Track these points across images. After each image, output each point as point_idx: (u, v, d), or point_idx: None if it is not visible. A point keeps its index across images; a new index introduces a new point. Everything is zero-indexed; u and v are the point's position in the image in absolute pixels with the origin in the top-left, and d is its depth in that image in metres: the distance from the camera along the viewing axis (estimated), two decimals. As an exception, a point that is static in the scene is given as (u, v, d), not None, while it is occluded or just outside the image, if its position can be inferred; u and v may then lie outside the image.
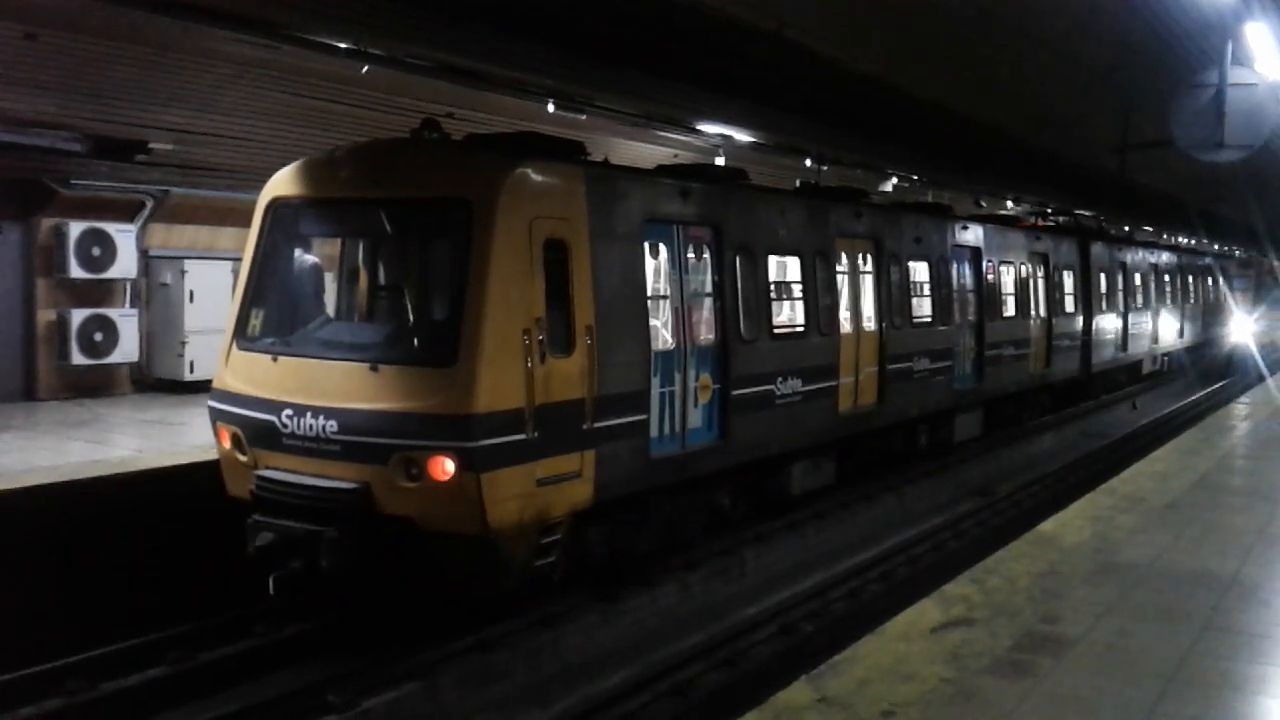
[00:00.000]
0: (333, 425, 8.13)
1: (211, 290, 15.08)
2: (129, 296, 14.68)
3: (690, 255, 10.59)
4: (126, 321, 14.34)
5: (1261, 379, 25.29)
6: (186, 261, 14.98)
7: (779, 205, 12.57)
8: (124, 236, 14.20)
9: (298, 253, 9.44)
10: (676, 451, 10.18)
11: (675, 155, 18.67)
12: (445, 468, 7.87)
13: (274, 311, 9.21)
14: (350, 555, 7.98)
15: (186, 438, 11.33)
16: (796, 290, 12.42)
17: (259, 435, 8.56)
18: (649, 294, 9.87)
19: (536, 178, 8.79)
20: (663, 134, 16.60)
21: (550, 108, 13.17)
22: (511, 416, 8.11)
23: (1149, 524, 8.66)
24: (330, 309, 9.65)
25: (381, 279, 9.44)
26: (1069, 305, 21.22)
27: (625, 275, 9.47)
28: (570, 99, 13.43)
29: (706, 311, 10.76)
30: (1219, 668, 5.58)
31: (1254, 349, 30.79)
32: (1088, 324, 21.98)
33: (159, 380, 14.98)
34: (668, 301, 10.26)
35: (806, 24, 12.34)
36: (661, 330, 10.16)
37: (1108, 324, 23.30)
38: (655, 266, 10.19)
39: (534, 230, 8.46)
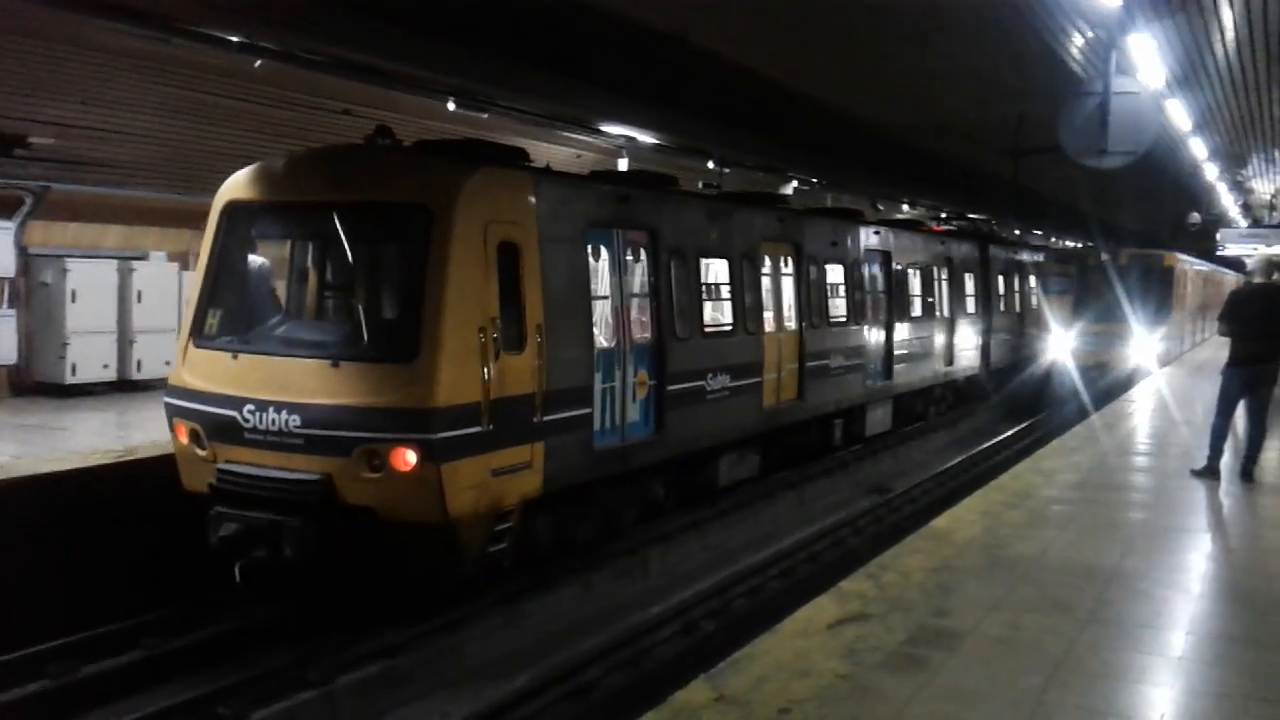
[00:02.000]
0: (295, 420, 8.43)
1: (95, 290, 14.54)
2: (7, 296, 14.04)
3: (628, 258, 11.15)
4: (4, 322, 13.74)
5: (1085, 414, 18.20)
6: (69, 260, 14.38)
7: (708, 210, 13.10)
8: (1, 234, 13.60)
9: (256, 254, 9.86)
10: (616, 444, 10.71)
11: (579, 156, 18.63)
12: (407, 459, 8.24)
13: (232, 310, 9.49)
14: (313, 544, 8.30)
15: (68, 443, 10.91)
16: (725, 291, 13.00)
17: (219, 430, 8.82)
18: (592, 294, 10.33)
19: (490, 184, 9.21)
20: (566, 134, 16.54)
21: (451, 106, 13.02)
22: (469, 410, 8.52)
23: (1036, 519, 8.91)
24: (290, 308, 9.98)
25: (342, 279, 9.69)
26: (970, 306, 22.66)
27: (571, 277, 9.96)
28: (472, 97, 13.30)
29: (643, 311, 11.32)
30: (1102, 658, 5.75)
31: (1075, 372, 23.56)
32: (987, 324, 23.59)
33: (39, 383, 14.36)
34: (608, 301, 10.72)
35: (711, 28, 12.43)
36: (603, 329, 10.62)
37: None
38: (597, 268, 10.60)
39: (488, 234, 8.89)
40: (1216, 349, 19.98)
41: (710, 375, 12.33)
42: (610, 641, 9.51)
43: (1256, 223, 28.26)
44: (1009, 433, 21.90)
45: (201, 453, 9.01)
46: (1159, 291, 24.50)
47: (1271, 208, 26.77)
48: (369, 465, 8.29)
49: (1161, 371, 22.60)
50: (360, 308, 9.32)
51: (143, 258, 15.65)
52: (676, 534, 12.58)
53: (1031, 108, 15.05)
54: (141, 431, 11.99)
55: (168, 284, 15.83)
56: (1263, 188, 25.04)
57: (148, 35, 10.57)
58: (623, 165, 16.96)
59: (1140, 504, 9.80)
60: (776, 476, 15.10)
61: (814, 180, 22.50)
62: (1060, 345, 24.76)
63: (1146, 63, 11.52)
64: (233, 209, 9.62)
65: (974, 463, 18.68)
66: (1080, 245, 37.04)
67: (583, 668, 8.88)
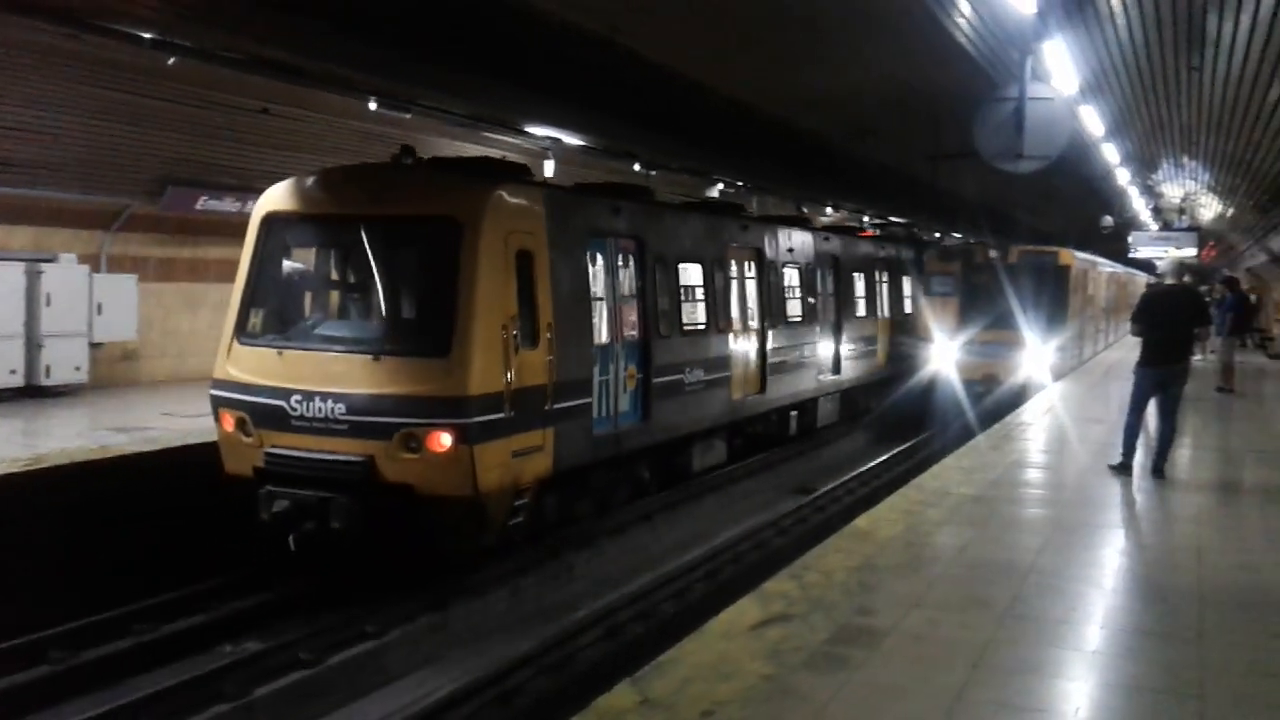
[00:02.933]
0: (340, 407, 9.51)
1: (0, 293, 14.10)
2: (-93, 299, 13.56)
3: (619, 263, 12.35)
4: (-96, 327, 13.26)
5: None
6: (-28, 262, 13.95)
7: (685, 219, 14.50)
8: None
9: (297, 260, 11.10)
10: (611, 431, 11.93)
11: (503, 157, 18.50)
12: (442, 441, 9.32)
13: (276, 311, 10.58)
14: (358, 517, 9.36)
15: None
16: (699, 293, 14.26)
17: (266, 417, 9.82)
18: (591, 296, 11.56)
19: (509, 199, 10.35)
20: (490, 135, 16.43)
21: (373, 105, 12.86)
22: (494, 399, 9.62)
23: (955, 517, 9.06)
24: (331, 309, 11.04)
25: (381, 283, 10.34)
26: (908, 307, 23.88)
27: (574, 280, 11.12)
28: (394, 97, 13.14)
29: (632, 311, 12.57)
30: (1019, 653, 5.85)
31: (959, 387, 20.75)
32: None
33: (-59, 390, 13.88)
34: (604, 302, 11.93)
35: (637, 30, 12.43)
36: (600, 327, 11.78)
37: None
38: (594, 273, 11.76)
39: (508, 243, 10.02)
40: (1128, 350, 19.91)
41: (688, 369, 13.58)
42: (537, 646, 9.44)
43: (1166, 226, 29.03)
44: (871, 463, 18.69)
45: (247, 439, 9.98)
46: (1053, 293, 21.40)
47: (1181, 211, 27.54)
48: (408, 447, 9.35)
49: (1056, 386, 19.77)
50: (398, 308, 10.42)
51: (52, 260, 15.19)
52: (602, 537, 12.56)
53: (950, 112, 15.30)
54: (52, 439, 11.63)
55: (78, 287, 15.39)
56: (1172, 192, 25.75)
57: (57, 30, 10.26)
58: (548, 168, 16.90)
59: (1056, 501, 10.01)
60: (702, 480, 15.22)
61: (739, 183, 22.65)
62: (943, 356, 21.43)
63: (1060, 70, 11.78)
64: (272, 220, 10.62)
65: (897, 462, 18.94)
66: (965, 240, 31.67)
67: (508, 673, 8.81)
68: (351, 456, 9.45)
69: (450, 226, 9.76)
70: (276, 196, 10.69)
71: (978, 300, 21.42)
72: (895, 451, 19.92)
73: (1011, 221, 31.18)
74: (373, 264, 10.30)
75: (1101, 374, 22.61)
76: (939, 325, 21.55)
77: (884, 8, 11.08)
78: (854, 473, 17.75)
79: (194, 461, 11.82)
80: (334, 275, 11.23)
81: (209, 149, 15.70)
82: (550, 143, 16.42)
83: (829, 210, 28.49)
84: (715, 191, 23.31)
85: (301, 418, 9.61)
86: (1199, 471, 11.43)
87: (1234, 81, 11.20)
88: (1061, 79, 12.10)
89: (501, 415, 9.66)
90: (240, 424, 10.03)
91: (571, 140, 16.40)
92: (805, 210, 26.85)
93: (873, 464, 18.58)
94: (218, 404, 10.25)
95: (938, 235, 32.52)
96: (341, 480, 9.42)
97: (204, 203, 16.82)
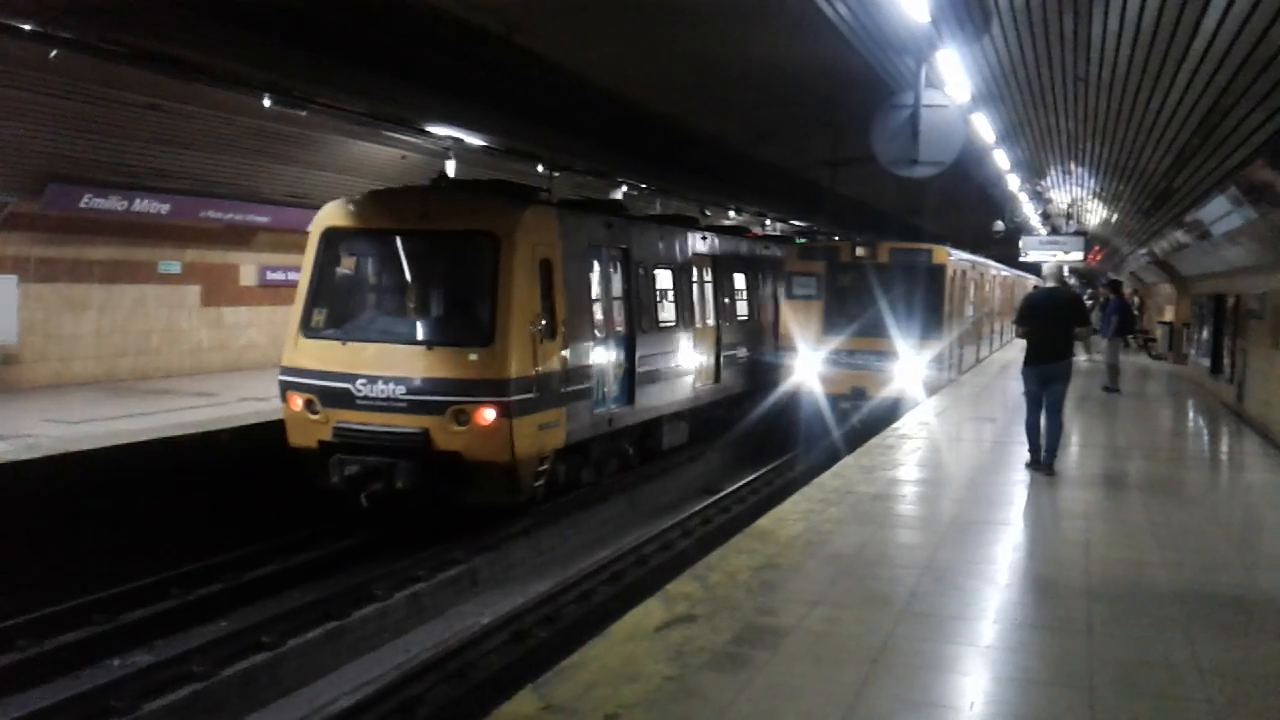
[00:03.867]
0: (400, 389, 11.56)
1: None
2: None
3: (611, 270, 14.47)
4: None
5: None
6: None
7: (659, 230, 16.78)
8: None
9: (356, 267, 13.09)
10: (606, 411, 13.99)
11: (404, 157, 18.25)
12: (487, 416, 11.43)
13: (337, 310, 12.55)
14: (418, 478, 11.39)
15: None
16: (670, 295, 16.49)
17: (333, 398, 11.78)
18: (592, 298, 13.66)
19: (535, 217, 12.50)
20: (390, 134, 16.17)
21: (266, 102, 12.53)
22: (527, 381, 11.74)
23: (856, 515, 9.20)
24: (387, 307, 12.92)
25: (432, 286, 12.77)
26: (753, 310, 24.17)
27: (580, 284, 13.26)
28: (289, 94, 12.83)
29: (620, 310, 14.65)
30: (917, 649, 5.95)
31: (823, 403, 18.71)
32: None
33: None
34: (600, 303, 14.00)
35: (537, 31, 12.35)
36: (597, 323, 13.82)
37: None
38: (593, 278, 13.83)
39: (535, 253, 12.17)
40: (1018, 351, 19.96)
41: (662, 360, 15.82)
42: (439, 654, 9.31)
43: (1055, 230, 29.90)
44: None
45: (314, 416, 11.93)
46: (927, 296, 19.08)
47: (1068, 217, 28.42)
48: (457, 420, 11.42)
49: (930, 403, 17.31)
50: (447, 307, 12.64)
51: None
52: (506, 542, 12.46)
53: (849, 118, 15.54)
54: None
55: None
56: (1060, 198, 26.56)
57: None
58: (450, 168, 16.70)
59: (953, 499, 10.23)
60: (609, 481, 15.26)
61: (643, 185, 22.70)
62: (806, 368, 19.16)
63: (954, 78, 12.04)
64: (331, 233, 12.58)
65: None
66: (830, 235, 29.23)
67: (408, 682, 8.66)
68: (410, 429, 11.45)
69: (490, 240, 11.89)
70: (334, 213, 12.69)
71: (844, 304, 19.29)
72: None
73: (913, 227, 31.84)
74: (424, 270, 12.71)
75: (994, 374, 23.15)
76: (800, 332, 19.21)
77: (781, 12, 11.20)
78: (756, 474, 17.91)
79: (79, 467, 11.42)
80: (390, 279, 13.08)
81: (93, 146, 15.14)
82: (452, 142, 16.22)
83: (731, 213, 28.74)
84: (619, 194, 23.32)
85: (366, 398, 11.61)
86: (1087, 469, 11.82)
87: (1117, 91, 11.60)
88: (955, 87, 12.37)
89: (531, 395, 11.76)
90: (308, 404, 11.99)
91: (474, 140, 16.23)
92: (707, 213, 27.05)
93: (775, 464, 18.73)
94: (286, 387, 12.19)
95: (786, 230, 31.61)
96: (403, 448, 11.42)
97: (88, 201, 16.20)
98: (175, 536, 11.60)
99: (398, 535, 12.20)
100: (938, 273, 19.31)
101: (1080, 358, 21.57)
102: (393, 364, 11.64)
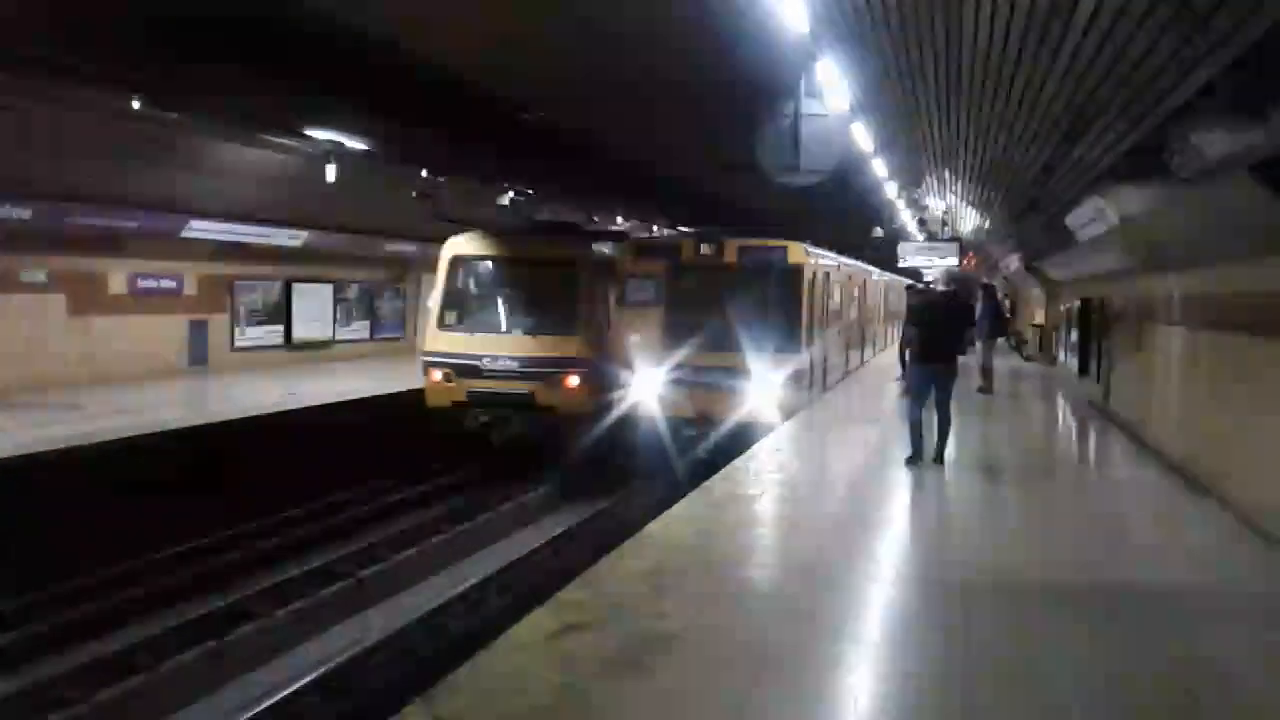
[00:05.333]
0: (514, 363, 17.01)
1: None
2: None
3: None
4: None
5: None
6: None
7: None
8: None
9: (479, 283, 18.32)
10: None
11: (283, 160, 17.81)
12: (572, 381, 16.96)
13: (464, 311, 17.90)
14: (528, 424, 16.99)
15: None
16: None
17: (465, 371, 17.09)
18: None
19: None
20: (268, 137, 15.76)
21: (135, 104, 12.08)
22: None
23: (745, 518, 9.31)
24: (500, 310, 17.97)
25: (535, 296, 17.79)
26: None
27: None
28: (160, 95, 12.40)
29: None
30: (804, 648, 6.05)
31: (662, 425, 16.51)
32: None
33: None
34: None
35: (421, 35, 12.18)
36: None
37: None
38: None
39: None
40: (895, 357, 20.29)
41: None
42: (323, 671, 9.09)
43: (931, 236, 30.79)
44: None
45: (450, 385, 17.16)
46: (783, 302, 16.78)
47: (943, 223, 29.32)
48: (551, 384, 16.90)
49: (785, 428, 15.04)
50: (543, 308, 17.56)
51: None
52: (394, 554, 12.25)
53: (734, 126, 15.73)
54: None
55: None
56: (935, 205, 27.40)
57: None
58: (330, 173, 16.39)
59: (839, 498, 10.44)
60: (497, 489, 15.17)
61: (529, 191, 22.60)
62: (645, 386, 16.68)
63: (833, 88, 12.29)
64: (457, 259, 18.06)
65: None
66: (672, 232, 26.93)
67: (292, 700, 8.44)
68: (522, 390, 16.87)
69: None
70: (460, 244, 18.15)
71: (687, 311, 16.73)
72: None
73: (805, 233, 32.31)
74: (528, 285, 17.86)
75: (871, 381, 23.61)
76: (639, 345, 16.88)
77: (662, 17, 11.28)
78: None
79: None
80: (503, 291, 18.07)
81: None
82: (333, 146, 15.89)
83: (619, 219, 28.84)
84: (506, 200, 23.18)
85: (490, 370, 16.93)
86: (965, 468, 12.19)
87: (987, 100, 12.02)
88: (834, 96, 12.64)
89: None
90: (445, 375, 17.17)
91: (356, 144, 15.93)
92: (595, 219, 27.07)
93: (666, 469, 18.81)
94: (428, 365, 17.42)
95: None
96: (517, 404, 16.85)
97: (-60, 207, 15.37)
98: (40, 557, 11.08)
99: (297, 542, 11.88)
100: (794, 274, 16.85)
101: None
102: (508, 347, 17.08)
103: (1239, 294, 9.65)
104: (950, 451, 11.91)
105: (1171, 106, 8.09)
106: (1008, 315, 27.43)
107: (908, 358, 14.62)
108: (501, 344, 17.08)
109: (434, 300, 17.90)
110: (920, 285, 19.90)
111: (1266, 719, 5.31)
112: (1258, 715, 5.31)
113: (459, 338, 17.25)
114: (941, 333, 11.89)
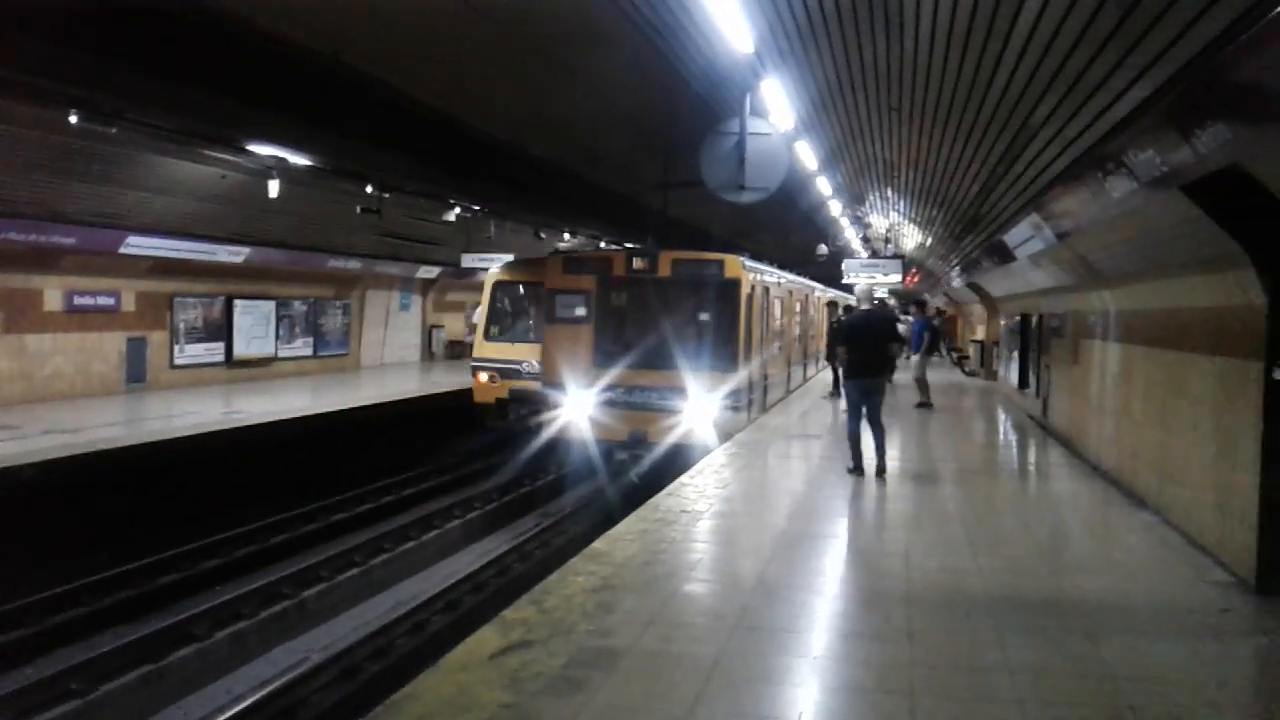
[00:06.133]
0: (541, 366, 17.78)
1: None
2: None
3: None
4: None
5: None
6: None
7: None
8: None
9: (514, 303, 20.02)
10: None
11: (224, 176, 17.61)
12: None
13: (505, 326, 19.76)
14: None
15: None
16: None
17: (507, 374, 18.95)
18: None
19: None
20: (208, 152, 15.56)
21: (73, 119, 11.88)
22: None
23: (690, 534, 9.33)
24: (532, 324, 19.32)
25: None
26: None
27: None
28: (99, 110, 12.20)
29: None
30: (749, 663, 6.07)
31: (594, 451, 16.27)
32: None
33: None
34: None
35: (363, 49, 12.12)
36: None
37: None
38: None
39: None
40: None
41: None
42: (265, 694, 8.93)
43: (875, 254, 31.18)
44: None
45: (494, 385, 18.99)
46: (720, 318, 16.18)
47: (886, 240, 29.71)
48: None
49: (728, 447, 14.64)
50: None
51: None
52: (337, 574, 12.10)
53: (679, 143, 15.83)
54: None
55: None
56: (878, 223, 27.75)
57: None
58: (273, 189, 16.21)
59: (782, 513, 10.49)
60: (440, 508, 15.04)
61: (475, 208, 22.54)
62: (575, 408, 16.23)
63: (777, 107, 12.45)
64: (497, 284, 19.93)
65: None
66: (605, 245, 26.82)
67: (233, 724, 8.29)
68: None
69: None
70: (499, 272, 20.19)
71: (620, 328, 16.51)
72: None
73: (751, 250, 32.44)
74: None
75: (813, 399, 23.73)
76: (567, 364, 16.40)
77: (611, 38, 11.34)
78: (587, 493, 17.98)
79: None
80: (534, 308, 19.22)
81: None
82: (275, 161, 15.74)
83: (566, 236, 28.84)
84: (452, 216, 23.10)
85: (528, 373, 18.46)
86: (906, 481, 12.32)
87: (928, 121, 12.22)
88: (779, 115, 12.79)
89: None
90: (490, 377, 19.06)
91: (299, 160, 15.79)
92: (542, 235, 27.01)
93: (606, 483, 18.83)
94: (476, 369, 19.33)
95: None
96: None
97: None
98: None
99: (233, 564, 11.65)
100: (731, 289, 16.20)
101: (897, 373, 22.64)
102: (538, 353, 18.00)
103: (1168, 310, 9.89)
104: (894, 465, 12.05)
105: (1104, 128, 8.29)
106: (939, 331, 27.87)
107: (841, 374, 14.92)
108: (532, 351, 18.68)
109: (479, 317, 20.35)
110: (841, 305, 20.53)
111: (1199, 726, 5.42)
112: (1191, 723, 5.42)
113: (502, 347, 19.33)
114: (868, 349, 12.32)
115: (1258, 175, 6.05)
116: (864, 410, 12.28)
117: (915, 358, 21.34)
